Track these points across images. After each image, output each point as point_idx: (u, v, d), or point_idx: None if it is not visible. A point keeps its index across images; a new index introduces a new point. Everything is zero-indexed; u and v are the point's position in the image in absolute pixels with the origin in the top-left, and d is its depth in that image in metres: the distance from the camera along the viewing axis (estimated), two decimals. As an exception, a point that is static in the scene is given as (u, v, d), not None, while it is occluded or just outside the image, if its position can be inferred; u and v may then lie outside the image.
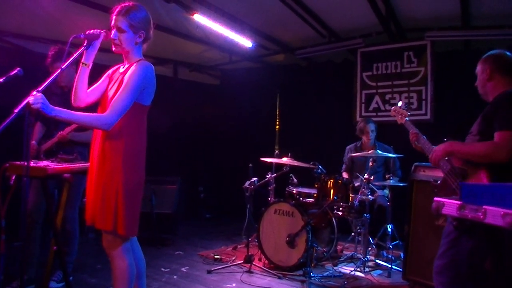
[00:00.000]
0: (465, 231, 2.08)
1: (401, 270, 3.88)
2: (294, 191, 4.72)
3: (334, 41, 5.87)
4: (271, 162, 4.86)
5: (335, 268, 4.25)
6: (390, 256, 4.34)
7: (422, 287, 3.52)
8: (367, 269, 4.17)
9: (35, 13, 4.44)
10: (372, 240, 4.57)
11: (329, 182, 4.36)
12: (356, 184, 4.47)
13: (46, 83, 2.08)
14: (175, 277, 3.96)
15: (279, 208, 4.32)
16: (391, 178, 4.47)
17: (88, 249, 4.71)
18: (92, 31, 2.32)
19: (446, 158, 2.44)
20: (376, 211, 4.53)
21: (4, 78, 2.52)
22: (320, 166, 4.51)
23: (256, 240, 4.49)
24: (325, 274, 4.08)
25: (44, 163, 2.72)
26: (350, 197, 4.28)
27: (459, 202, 1.67)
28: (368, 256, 4.32)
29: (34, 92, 2.00)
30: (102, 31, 2.33)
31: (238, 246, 5.10)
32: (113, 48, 2.38)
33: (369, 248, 4.54)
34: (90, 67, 2.37)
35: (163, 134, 6.23)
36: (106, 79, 2.50)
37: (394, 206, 4.52)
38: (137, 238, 2.51)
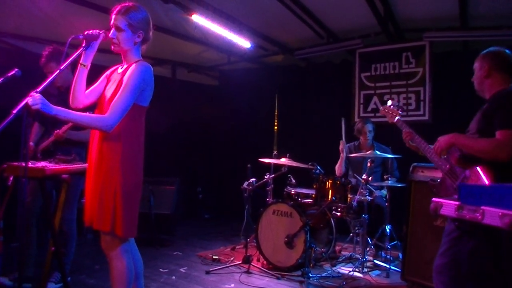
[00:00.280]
0: (466, 231, 2.09)
1: (399, 270, 3.89)
2: (292, 192, 4.72)
3: (333, 41, 5.88)
4: (269, 163, 4.86)
5: (333, 268, 4.25)
6: (388, 256, 4.35)
7: (421, 287, 3.52)
8: (365, 270, 4.17)
9: (33, 14, 4.44)
10: (371, 241, 4.57)
11: (327, 183, 4.36)
12: (353, 181, 4.47)
13: (44, 84, 2.07)
14: (173, 277, 3.95)
15: (277, 209, 4.32)
16: (389, 178, 4.47)
17: (86, 250, 4.70)
18: (90, 31, 2.31)
19: (445, 156, 2.44)
20: (374, 212, 4.54)
21: (2, 78, 2.51)
22: (318, 167, 4.51)
23: (254, 241, 4.49)
24: (323, 274, 4.08)
25: (42, 164, 2.72)
26: (348, 198, 4.28)
27: (457, 203, 1.67)
28: (366, 257, 4.33)
29: (33, 93, 2.00)
30: (101, 32, 2.33)
31: (237, 247, 5.09)
32: (112, 48, 2.38)
33: (368, 249, 4.55)
34: (88, 68, 2.37)
35: (161, 135, 6.23)
36: (104, 80, 2.50)
37: (392, 206, 4.52)
38: (136, 238, 2.50)
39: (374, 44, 5.90)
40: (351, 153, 4.97)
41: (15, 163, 2.59)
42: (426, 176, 3.52)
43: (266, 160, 4.75)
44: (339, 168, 5.03)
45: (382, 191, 4.88)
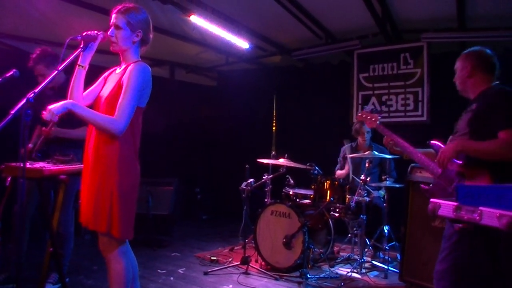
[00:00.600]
0: (465, 233, 2.08)
1: (397, 271, 3.88)
2: (290, 192, 4.72)
3: (331, 42, 5.89)
4: (267, 163, 4.86)
5: (331, 269, 4.25)
6: (386, 257, 4.36)
7: (419, 288, 3.53)
8: (363, 270, 4.17)
9: (31, 15, 4.43)
10: (369, 241, 4.57)
11: (325, 183, 4.37)
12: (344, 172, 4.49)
13: (41, 86, 2.06)
14: (171, 278, 3.95)
15: (275, 210, 4.32)
16: (387, 179, 4.48)
17: (84, 251, 4.69)
18: (89, 32, 2.31)
19: (436, 160, 2.43)
20: (372, 212, 4.54)
21: (0, 79, 2.51)
22: (316, 167, 4.52)
23: (252, 242, 4.49)
24: (321, 275, 4.08)
25: (40, 165, 2.71)
26: (347, 198, 4.29)
27: (455, 204, 1.67)
28: (364, 257, 4.33)
29: (48, 108, 2.08)
30: (99, 33, 2.33)
31: (235, 248, 5.09)
32: (111, 47, 2.38)
33: (366, 250, 4.55)
34: (86, 69, 2.36)
35: (159, 136, 6.22)
36: (102, 82, 2.50)
37: (390, 207, 4.53)
38: (134, 239, 2.49)
39: (372, 45, 5.90)
40: (349, 154, 4.97)
41: (13, 164, 2.58)
42: (424, 176, 3.52)
43: (264, 161, 4.75)
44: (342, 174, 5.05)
45: (380, 191, 4.88)
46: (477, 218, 1.54)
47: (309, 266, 4.18)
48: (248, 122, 7.38)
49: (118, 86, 2.30)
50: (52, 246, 2.83)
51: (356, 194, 4.26)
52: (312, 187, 4.45)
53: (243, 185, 4.85)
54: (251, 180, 4.85)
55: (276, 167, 4.93)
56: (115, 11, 2.34)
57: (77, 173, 2.80)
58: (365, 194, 4.28)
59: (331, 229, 4.41)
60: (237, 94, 7.36)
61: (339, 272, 4.22)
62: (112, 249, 2.32)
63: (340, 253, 4.84)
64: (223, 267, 4.28)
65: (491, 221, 1.50)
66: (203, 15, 4.71)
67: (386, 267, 4.17)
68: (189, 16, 4.58)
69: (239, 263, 4.30)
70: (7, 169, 2.61)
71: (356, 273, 4.14)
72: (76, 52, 2.29)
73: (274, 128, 6.56)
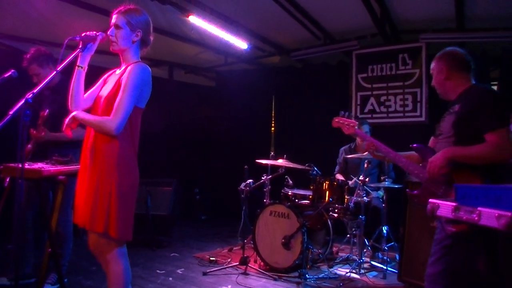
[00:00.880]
0: (461, 238, 2.07)
1: (396, 271, 3.89)
2: (289, 193, 4.72)
3: (329, 43, 5.90)
4: (266, 164, 4.86)
5: (330, 269, 4.25)
6: (385, 257, 4.36)
7: (417, 288, 3.53)
8: (362, 271, 4.18)
9: (29, 15, 4.43)
10: (368, 242, 4.57)
11: (324, 184, 4.37)
12: (350, 182, 4.48)
13: (40, 86, 2.06)
14: (170, 279, 3.95)
15: (274, 210, 4.32)
16: (386, 179, 4.48)
17: (83, 251, 4.65)
18: (88, 33, 2.31)
19: (421, 164, 2.42)
20: (371, 213, 4.54)
21: (-2, 79, 2.51)
22: (315, 168, 4.51)
23: (251, 242, 4.48)
24: (320, 275, 4.08)
25: (38, 165, 2.71)
26: (346, 199, 4.29)
27: (454, 204, 1.67)
28: (363, 258, 4.33)
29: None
30: (98, 34, 2.33)
31: (234, 248, 5.08)
32: (110, 47, 2.37)
33: (365, 250, 4.55)
34: (85, 70, 2.36)
35: (158, 136, 6.22)
36: (102, 83, 2.49)
37: (389, 207, 4.53)
38: (132, 240, 2.48)
39: (370, 46, 5.91)
40: (348, 155, 4.98)
41: (11, 164, 2.58)
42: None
43: (263, 161, 4.75)
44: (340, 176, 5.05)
45: (379, 192, 4.88)
46: (476, 218, 1.54)
47: (308, 266, 4.18)
48: (247, 123, 7.37)
49: (117, 86, 2.29)
50: (51, 247, 2.83)
51: (355, 194, 4.26)
52: (311, 187, 4.45)
53: (242, 186, 4.85)
54: (250, 180, 4.86)
55: (275, 167, 4.93)
56: (116, 11, 2.35)
57: (75, 173, 2.79)
58: (364, 195, 4.29)
59: (330, 229, 4.41)
60: (236, 94, 7.36)
61: (338, 272, 4.22)
62: (110, 250, 2.30)
63: (339, 254, 4.84)
64: (222, 267, 4.28)
65: (490, 222, 1.49)
66: (202, 15, 4.71)
67: (385, 267, 4.17)
68: (188, 17, 4.58)
69: (238, 263, 4.30)
70: (5, 169, 2.61)
71: (355, 273, 4.14)
72: (75, 53, 2.29)
73: (273, 128, 6.57)
